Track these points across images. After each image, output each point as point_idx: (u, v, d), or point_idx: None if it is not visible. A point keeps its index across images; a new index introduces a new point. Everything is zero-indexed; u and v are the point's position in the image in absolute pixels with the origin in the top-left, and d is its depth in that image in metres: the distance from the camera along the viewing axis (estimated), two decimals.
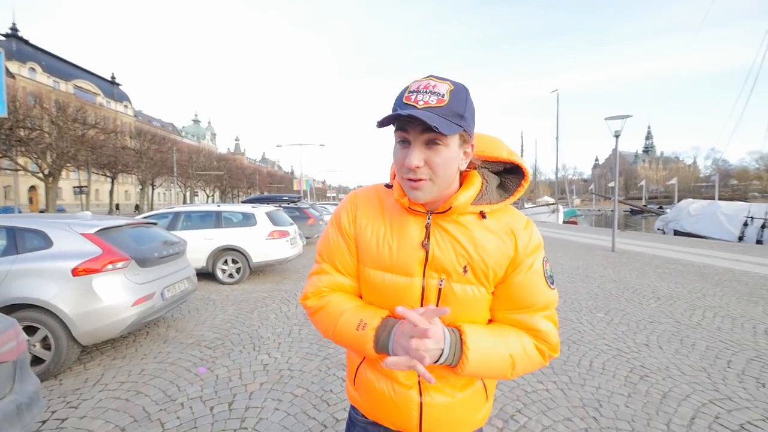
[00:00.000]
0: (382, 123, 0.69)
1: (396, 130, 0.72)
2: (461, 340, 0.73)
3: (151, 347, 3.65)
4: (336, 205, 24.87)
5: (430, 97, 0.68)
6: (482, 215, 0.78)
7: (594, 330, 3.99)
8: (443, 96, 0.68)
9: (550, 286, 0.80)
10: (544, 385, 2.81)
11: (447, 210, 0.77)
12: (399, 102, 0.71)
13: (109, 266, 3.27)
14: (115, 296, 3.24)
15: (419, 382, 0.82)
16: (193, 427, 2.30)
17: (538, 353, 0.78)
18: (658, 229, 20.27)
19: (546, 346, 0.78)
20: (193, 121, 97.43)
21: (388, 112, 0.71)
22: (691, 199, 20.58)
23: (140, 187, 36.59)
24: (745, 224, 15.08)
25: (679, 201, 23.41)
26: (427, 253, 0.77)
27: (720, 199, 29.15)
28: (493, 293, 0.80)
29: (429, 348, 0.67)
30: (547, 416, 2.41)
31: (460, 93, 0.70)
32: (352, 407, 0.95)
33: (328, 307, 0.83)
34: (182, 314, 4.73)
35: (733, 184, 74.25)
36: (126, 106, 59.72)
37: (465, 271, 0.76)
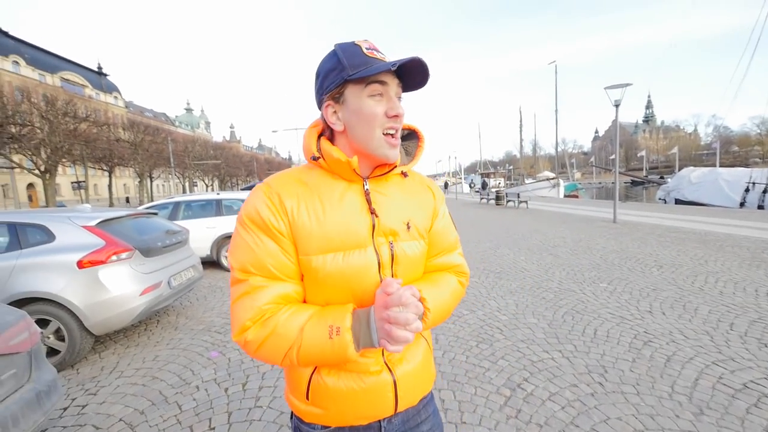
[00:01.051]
0: (399, 65, 0.70)
1: (369, 84, 0.72)
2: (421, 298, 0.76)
3: (162, 334, 3.71)
4: None
5: (380, 55, 0.74)
6: (404, 175, 0.86)
7: (597, 299, 4.04)
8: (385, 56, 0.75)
9: (455, 228, 0.95)
10: (550, 354, 2.87)
11: (388, 171, 0.79)
12: (362, 57, 0.72)
13: (114, 257, 3.28)
14: (123, 286, 3.27)
15: (385, 362, 0.80)
16: (209, 407, 2.37)
17: (461, 286, 0.90)
18: (660, 199, 20.25)
19: (464, 277, 0.92)
20: (185, 109, 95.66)
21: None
22: (692, 167, 20.44)
23: (138, 179, 36.36)
24: (747, 190, 15.04)
25: (680, 170, 23.27)
26: (375, 218, 0.77)
27: (721, 166, 28.98)
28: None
29: (410, 316, 0.67)
30: (554, 383, 2.46)
31: None
32: (306, 425, 0.83)
33: (278, 329, 0.69)
34: (190, 302, 4.79)
35: (734, 150, 73.53)
36: (116, 97, 58.53)
37: (408, 227, 0.80)
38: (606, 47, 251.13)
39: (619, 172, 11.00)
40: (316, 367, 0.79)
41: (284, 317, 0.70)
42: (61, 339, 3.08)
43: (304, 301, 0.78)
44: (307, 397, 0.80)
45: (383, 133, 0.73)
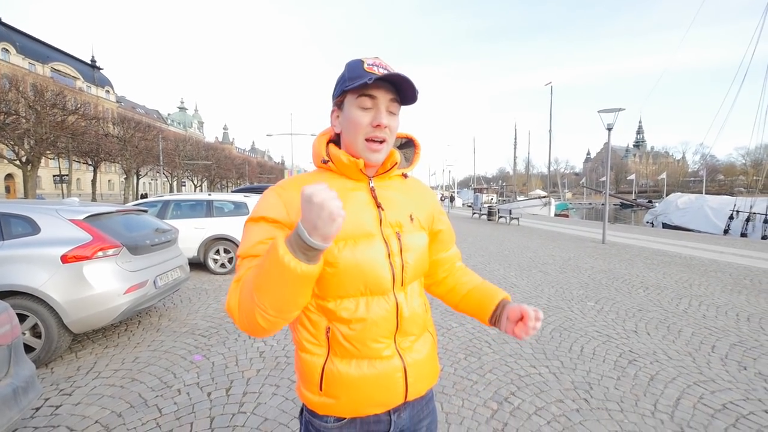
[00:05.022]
0: (379, 78, 0.76)
1: (360, 96, 0.79)
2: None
3: (144, 336, 3.61)
4: None
5: (386, 72, 0.78)
6: (405, 176, 0.96)
7: (585, 318, 4.08)
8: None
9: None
10: (537, 369, 2.88)
11: (388, 170, 0.88)
12: (359, 71, 0.78)
13: (100, 253, 3.21)
14: (107, 283, 3.19)
15: (397, 350, 0.85)
16: (191, 411, 2.30)
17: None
18: (647, 222, 20.72)
19: (459, 257, 1.10)
20: (179, 108, 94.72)
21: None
22: (679, 193, 21.01)
23: (124, 176, 35.73)
24: (731, 218, 15.51)
25: (667, 195, 23.88)
26: (381, 210, 0.85)
27: (707, 193, 29.89)
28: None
29: None
30: (540, 398, 2.47)
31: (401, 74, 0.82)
32: (319, 417, 0.85)
33: (245, 279, 0.70)
34: (174, 303, 4.68)
35: (720, 179, 75.99)
36: (108, 92, 57.75)
37: (411, 219, 0.88)
38: (600, 73, 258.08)
39: (609, 195, 11.23)
40: (328, 357, 0.82)
41: (248, 272, 0.72)
42: (37, 336, 2.98)
43: (317, 296, 0.81)
44: (321, 388, 0.83)
45: (365, 139, 0.81)
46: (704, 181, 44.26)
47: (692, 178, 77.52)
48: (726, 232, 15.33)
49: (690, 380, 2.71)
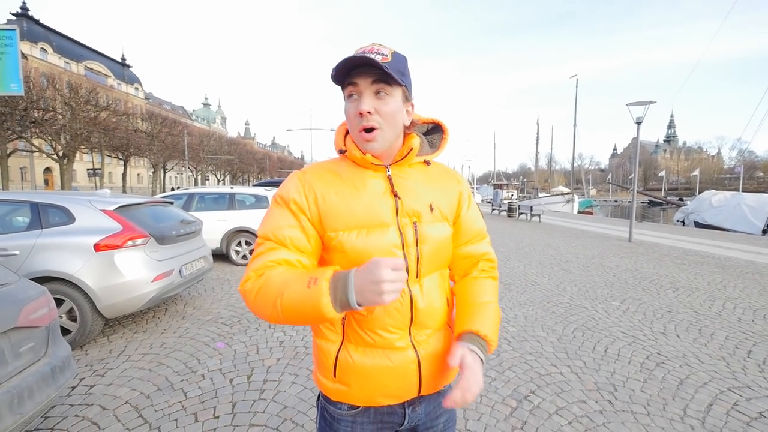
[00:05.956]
0: (338, 69, 0.74)
1: (346, 87, 0.78)
2: (482, 339, 0.82)
3: (170, 322, 3.76)
4: None
5: (375, 56, 0.75)
6: (427, 163, 0.91)
7: (609, 318, 3.95)
8: (387, 55, 0.76)
9: (482, 218, 0.99)
10: (558, 368, 2.81)
11: (405, 156, 0.85)
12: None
13: (130, 242, 3.35)
14: (136, 272, 3.32)
15: (412, 342, 0.83)
16: (214, 396, 2.38)
17: (494, 280, 0.95)
18: (678, 221, 19.75)
19: (494, 264, 0.97)
20: (203, 104, 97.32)
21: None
22: (713, 191, 19.89)
23: (152, 170, 37.10)
24: None
25: (700, 192, 22.69)
26: (398, 200, 0.82)
27: (744, 191, 28.21)
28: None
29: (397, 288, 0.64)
30: (561, 398, 2.41)
31: (400, 56, 0.79)
32: (333, 404, 0.87)
33: (269, 280, 0.73)
34: (198, 292, 4.84)
35: (759, 176, 71.53)
36: (137, 89, 59.82)
37: (431, 209, 0.85)
38: (629, 64, 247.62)
39: (637, 192, 10.78)
40: (342, 344, 0.83)
41: (277, 271, 0.75)
42: (73, 319, 3.15)
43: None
44: (335, 374, 0.84)
45: (359, 130, 0.78)
46: (741, 178, 41.75)
47: (728, 176, 73.26)
48: (765, 232, 14.43)
49: (723, 386, 2.58)
